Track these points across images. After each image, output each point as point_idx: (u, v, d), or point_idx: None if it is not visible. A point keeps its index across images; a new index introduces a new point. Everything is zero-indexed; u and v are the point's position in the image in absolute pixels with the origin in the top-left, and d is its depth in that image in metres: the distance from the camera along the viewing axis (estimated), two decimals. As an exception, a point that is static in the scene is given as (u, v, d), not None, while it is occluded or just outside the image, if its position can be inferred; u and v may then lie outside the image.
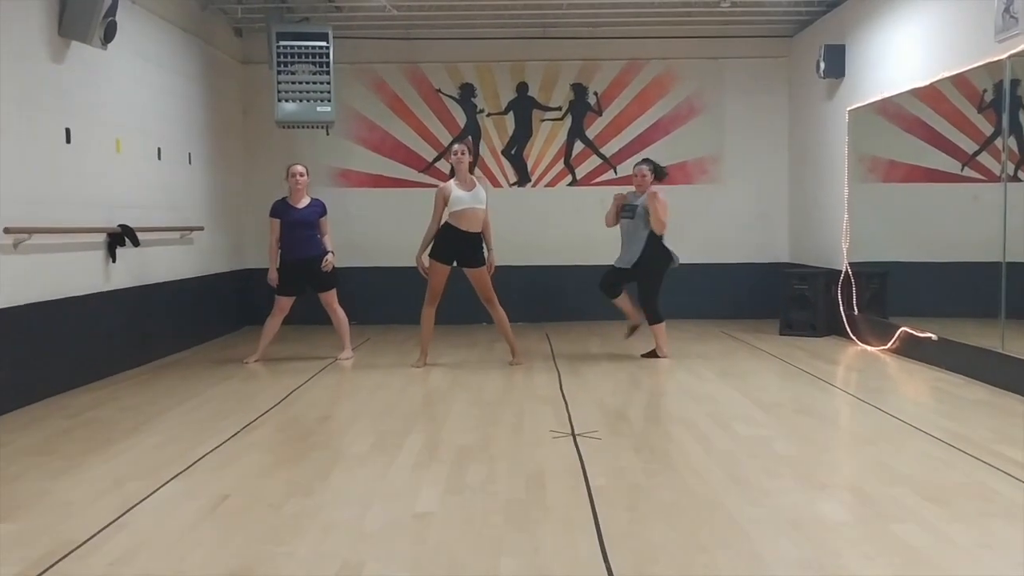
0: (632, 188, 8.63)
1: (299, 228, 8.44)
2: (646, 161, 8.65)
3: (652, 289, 8.45)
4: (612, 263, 8.60)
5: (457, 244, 8.05)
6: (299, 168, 8.56)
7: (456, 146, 8.15)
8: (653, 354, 8.51)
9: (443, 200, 8.03)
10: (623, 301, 8.67)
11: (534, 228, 11.61)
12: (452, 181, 8.11)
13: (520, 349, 8.50)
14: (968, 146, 7.93)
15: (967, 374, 7.24)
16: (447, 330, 10.31)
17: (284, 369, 8.21)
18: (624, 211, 8.49)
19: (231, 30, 11.19)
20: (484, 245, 8.18)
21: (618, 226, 8.60)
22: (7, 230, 6.31)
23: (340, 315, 8.69)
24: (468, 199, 8.01)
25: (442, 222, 8.06)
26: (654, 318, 8.46)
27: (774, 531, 3.81)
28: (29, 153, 6.67)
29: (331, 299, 8.62)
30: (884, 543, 3.66)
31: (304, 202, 8.53)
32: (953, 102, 7.94)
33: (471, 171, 8.22)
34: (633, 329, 8.80)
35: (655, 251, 8.34)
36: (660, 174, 8.54)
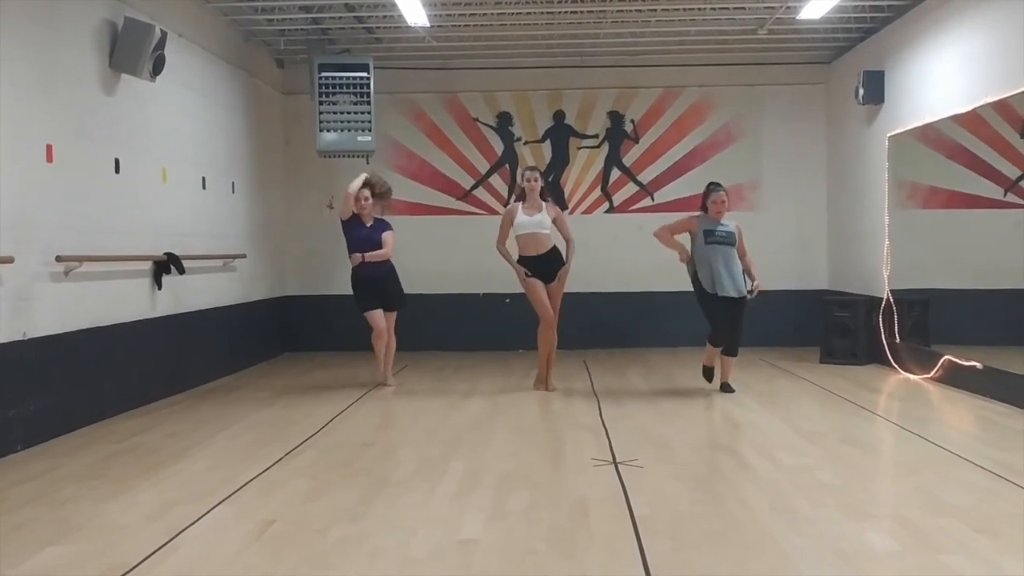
0: (696, 213, 8.20)
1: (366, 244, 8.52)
2: (718, 185, 8.12)
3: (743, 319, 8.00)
4: (715, 292, 7.81)
5: (532, 267, 8.20)
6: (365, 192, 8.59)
7: (528, 172, 8.27)
8: (730, 387, 8.10)
9: (508, 222, 8.23)
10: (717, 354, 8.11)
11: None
12: (519, 205, 8.24)
13: (548, 382, 8.44)
14: (1011, 172, 7.87)
15: (1013, 403, 7.13)
16: (485, 357, 10.35)
17: (325, 396, 8.27)
18: (710, 236, 7.88)
19: (273, 62, 11.40)
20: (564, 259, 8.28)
21: (685, 249, 8.08)
22: (59, 258, 6.46)
23: (392, 343, 8.77)
24: (530, 224, 8.16)
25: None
26: (736, 351, 8.11)
27: (820, 561, 3.78)
28: (80, 183, 6.84)
29: (391, 322, 8.68)
30: (934, 574, 3.62)
31: (370, 222, 8.62)
32: (995, 128, 7.89)
33: (543, 197, 8.27)
34: (713, 376, 8.19)
35: None
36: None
